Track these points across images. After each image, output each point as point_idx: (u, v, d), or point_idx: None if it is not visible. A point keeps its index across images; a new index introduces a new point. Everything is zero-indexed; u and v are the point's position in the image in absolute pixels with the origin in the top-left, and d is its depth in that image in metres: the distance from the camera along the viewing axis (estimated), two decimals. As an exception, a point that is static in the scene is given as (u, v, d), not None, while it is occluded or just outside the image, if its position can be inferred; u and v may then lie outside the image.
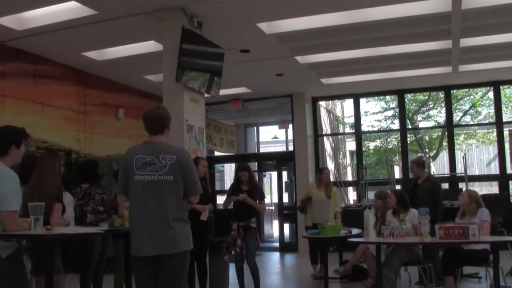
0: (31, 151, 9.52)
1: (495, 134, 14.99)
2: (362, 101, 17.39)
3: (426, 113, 21.94)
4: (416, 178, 9.09)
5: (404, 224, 6.79)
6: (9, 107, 9.54)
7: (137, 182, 4.39)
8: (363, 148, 17.31)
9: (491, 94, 16.37)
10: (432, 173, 9.07)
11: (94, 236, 6.45)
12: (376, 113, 22.25)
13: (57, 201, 5.44)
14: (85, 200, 6.80)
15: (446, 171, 16.38)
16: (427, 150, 21.31)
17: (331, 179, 10.01)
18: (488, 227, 6.80)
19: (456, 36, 9.44)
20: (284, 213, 15.09)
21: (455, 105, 19.35)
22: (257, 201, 7.76)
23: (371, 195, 11.89)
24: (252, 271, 7.67)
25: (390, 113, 21.67)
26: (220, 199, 14.37)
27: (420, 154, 22.10)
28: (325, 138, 16.00)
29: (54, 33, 8.86)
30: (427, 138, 21.70)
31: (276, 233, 16.54)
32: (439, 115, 21.19)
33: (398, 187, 13.43)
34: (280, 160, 15.70)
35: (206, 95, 8.94)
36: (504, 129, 13.80)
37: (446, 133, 15.24)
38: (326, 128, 16.35)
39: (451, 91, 14.88)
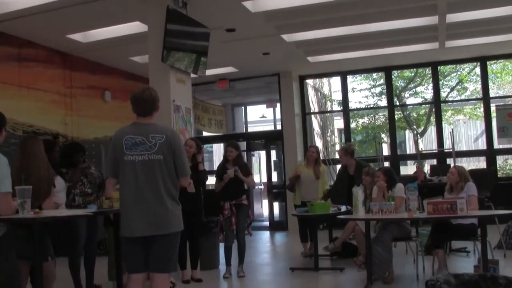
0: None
1: (482, 109, 15.04)
2: (349, 79, 17.32)
3: (414, 89, 21.96)
4: (345, 166, 9.23)
5: (392, 200, 6.83)
6: (-6, 91, 9.47)
7: (127, 163, 4.40)
8: (352, 126, 17.37)
9: (478, 70, 16.40)
10: (360, 159, 9.14)
11: (80, 218, 6.44)
12: (363, 90, 22.25)
13: (53, 185, 5.42)
14: (72, 183, 6.77)
15: (434, 147, 16.44)
16: (415, 126, 21.36)
17: (321, 157, 10.01)
18: (476, 201, 6.86)
19: (442, 12, 9.43)
20: (273, 192, 15.13)
21: (442, 81, 19.36)
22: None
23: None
24: (240, 246, 7.91)
25: (377, 90, 21.67)
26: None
27: (408, 131, 22.23)
28: (313, 116, 15.98)
29: (37, 15, 8.77)
30: (414, 114, 21.73)
31: (265, 212, 16.58)
32: (426, 92, 21.23)
33: (386, 164, 13.47)
34: (268, 139, 15.68)
35: (192, 75, 8.90)
36: (491, 104, 13.85)
37: (434, 109, 15.27)
38: (313, 106, 16.33)
39: (438, 67, 14.89)
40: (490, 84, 15.94)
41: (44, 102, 10.56)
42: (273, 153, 15.94)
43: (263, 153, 16.74)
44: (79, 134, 11.31)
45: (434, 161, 14.60)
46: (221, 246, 8.24)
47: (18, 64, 10.00)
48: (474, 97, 20.08)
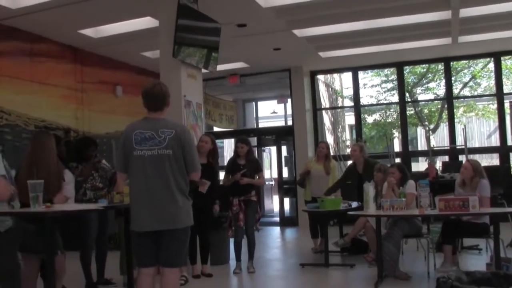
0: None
1: (495, 106, 14.92)
2: (361, 74, 17.23)
3: (426, 85, 21.85)
4: (355, 163, 9.17)
5: (403, 196, 6.79)
6: (7, 87, 9.48)
7: (137, 158, 4.40)
8: (362, 122, 17.30)
9: (491, 66, 16.27)
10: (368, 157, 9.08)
11: (91, 213, 6.46)
12: (375, 86, 22.19)
13: (63, 179, 5.43)
14: (83, 177, 6.79)
15: (446, 143, 16.37)
16: (426, 123, 21.27)
17: (331, 153, 9.99)
18: (488, 202, 6.76)
19: (455, 6, 9.35)
20: (284, 187, 15.12)
21: (454, 77, 19.25)
22: (256, 176, 7.83)
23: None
24: (250, 242, 7.90)
25: (389, 85, 21.59)
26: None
27: (419, 127, 22.10)
28: (324, 112, 15.95)
29: (49, 11, 8.78)
30: (426, 111, 21.64)
31: (276, 207, 16.59)
32: (439, 88, 21.12)
33: (397, 160, 13.43)
34: (279, 135, 15.68)
35: (203, 70, 8.90)
36: (505, 100, 13.72)
37: (446, 106, 15.19)
38: (324, 102, 16.29)
39: (451, 63, 14.79)
40: (504, 80, 15.80)
41: (55, 97, 10.58)
42: (283, 148, 15.92)
43: (273, 149, 16.73)
44: (91, 129, 11.33)
45: (446, 158, 14.52)
46: (231, 242, 8.25)
47: (30, 59, 10.02)
48: (487, 93, 19.95)
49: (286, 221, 14.63)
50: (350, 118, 18.70)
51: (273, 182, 17.62)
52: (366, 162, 8.90)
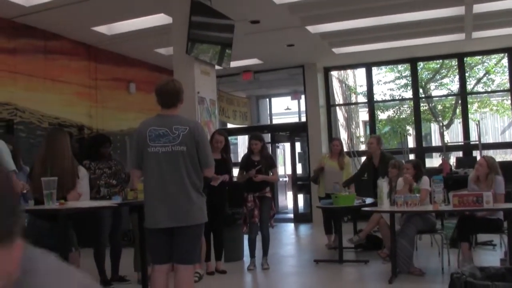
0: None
1: (509, 102, 14.82)
2: (374, 71, 17.17)
3: (439, 81, 21.75)
4: (370, 157, 9.13)
5: (417, 192, 6.77)
6: (21, 84, 9.54)
7: (151, 154, 4.42)
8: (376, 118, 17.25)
9: (505, 61, 16.15)
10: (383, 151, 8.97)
11: (104, 210, 6.49)
12: (388, 82, 22.11)
13: (77, 176, 5.46)
14: (97, 175, 6.82)
15: (460, 139, 16.27)
16: (440, 118, 21.17)
17: (345, 149, 9.98)
18: (503, 199, 6.74)
19: (469, 2, 9.30)
20: (298, 184, 15.12)
21: (468, 73, 19.13)
22: (270, 172, 7.84)
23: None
24: (264, 238, 7.90)
25: (402, 81, 21.51)
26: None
27: (433, 123, 21.98)
28: (337, 108, 15.92)
29: (62, 8, 8.82)
30: (440, 107, 21.53)
31: (290, 204, 16.59)
32: (452, 83, 21.03)
33: (411, 156, 13.38)
34: (293, 131, 15.68)
35: (217, 67, 8.91)
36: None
37: (460, 101, 15.11)
38: (338, 98, 16.26)
39: (464, 59, 14.69)
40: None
41: (69, 94, 10.63)
42: (297, 145, 15.92)
43: (287, 145, 16.73)
44: (104, 126, 11.37)
45: (460, 154, 14.45)
46: (246, 238, 8.26)
47: (44, 56, 10.08)
48: (501, 89, 19.82)
49: (300, 218, 14.63)
50: (364, 114, 18.64)
51: (287, 179, 17.62)
52: (382, 155, 8.88)
